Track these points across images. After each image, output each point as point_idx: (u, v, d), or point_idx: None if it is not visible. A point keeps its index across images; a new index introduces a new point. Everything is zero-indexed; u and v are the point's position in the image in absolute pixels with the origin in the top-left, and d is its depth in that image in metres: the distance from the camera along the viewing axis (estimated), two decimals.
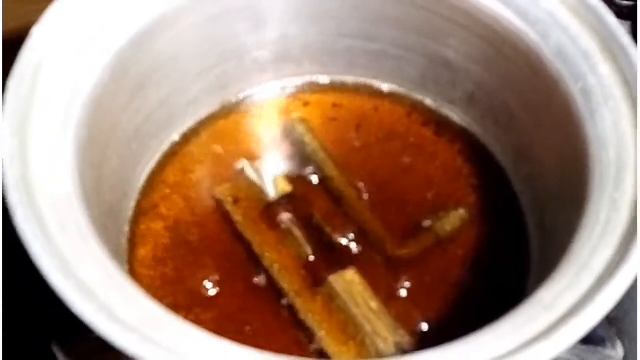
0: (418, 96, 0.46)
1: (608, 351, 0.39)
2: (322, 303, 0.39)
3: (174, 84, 0.42)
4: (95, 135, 0.35)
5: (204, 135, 0.45)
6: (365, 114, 0.46)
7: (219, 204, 0.43)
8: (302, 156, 0.45)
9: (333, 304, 0.39)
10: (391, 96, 0.47)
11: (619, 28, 0.35)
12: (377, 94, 0.47)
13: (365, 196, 0.43)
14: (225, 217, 0.42)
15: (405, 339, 0.38)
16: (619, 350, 0.40)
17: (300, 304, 0.39)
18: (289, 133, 0.46)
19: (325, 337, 0.38)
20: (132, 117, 0.40)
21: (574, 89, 0.35)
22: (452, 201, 0.43)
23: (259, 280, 0.40)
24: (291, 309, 0.39)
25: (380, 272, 0.40)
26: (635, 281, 0.29)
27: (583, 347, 0.38)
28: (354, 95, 0.47)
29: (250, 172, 0.44)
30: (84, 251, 0.30)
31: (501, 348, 0.27)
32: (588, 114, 0.35)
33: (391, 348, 0.37)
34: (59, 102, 0.34)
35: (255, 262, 0.41)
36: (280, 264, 0.40)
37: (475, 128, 0.45)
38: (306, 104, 0.47)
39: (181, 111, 0.44)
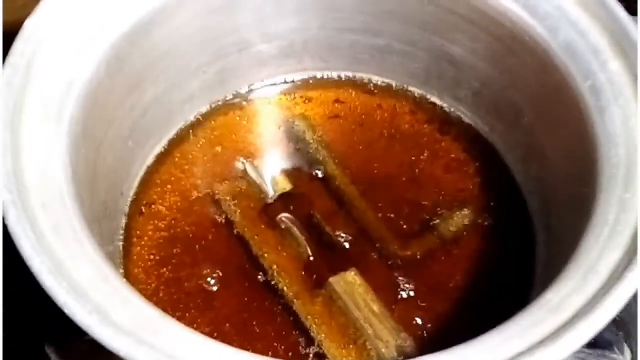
0: (422, 93, 0.46)
1: (615, 355, 0.39)
2: (322, 305, 0.39)
3: (172, 79, 0.42)
4: (89, 131, 0.34)
5: (202, 133, 0.45)
6: (368, 110, 0.46)
7: (217, 203, 0.42)
8: (302, 154, 0.44)
9: (333, 306, 0.38)
10: (395, 93, 0.46)
11: (630, 23, 0.35)
12: (381, 90, 0.46)
13: (368, 195, 0.42)
14: (224, 217, 0.42)
15: (408, 343, 0.37)
16: (626, 354, 0.40)
17: (299, 306, 0.38)
18: (289, 130, 0.45)
19: (325, 340, 0.37)
20: (127, 113, 0.39)
21: (583, 86, 0.35)
22: (457, 200, 0.42)
23: (258, 281, 0.40)
24: (290, 311, 0.38)
25: (382, 273, 0.40)
26: None
27: (590, 350, 0.38)
28: (357, 91, 0.46)
29: (249, 171, 0.43)
30: (77, 252, 0.29)
31: (507, 351, 0.27)
32: (597, 111, 0.34)
33: (393, 352, 0.37)
34: (52, 96, 0.33)
35: (254, 263, 0.40)
36: (280, 264, 0.40)
37: (480, 126, 0.45)
38: (307, 100, 0.46)
39: (179, 107, 0.44)
